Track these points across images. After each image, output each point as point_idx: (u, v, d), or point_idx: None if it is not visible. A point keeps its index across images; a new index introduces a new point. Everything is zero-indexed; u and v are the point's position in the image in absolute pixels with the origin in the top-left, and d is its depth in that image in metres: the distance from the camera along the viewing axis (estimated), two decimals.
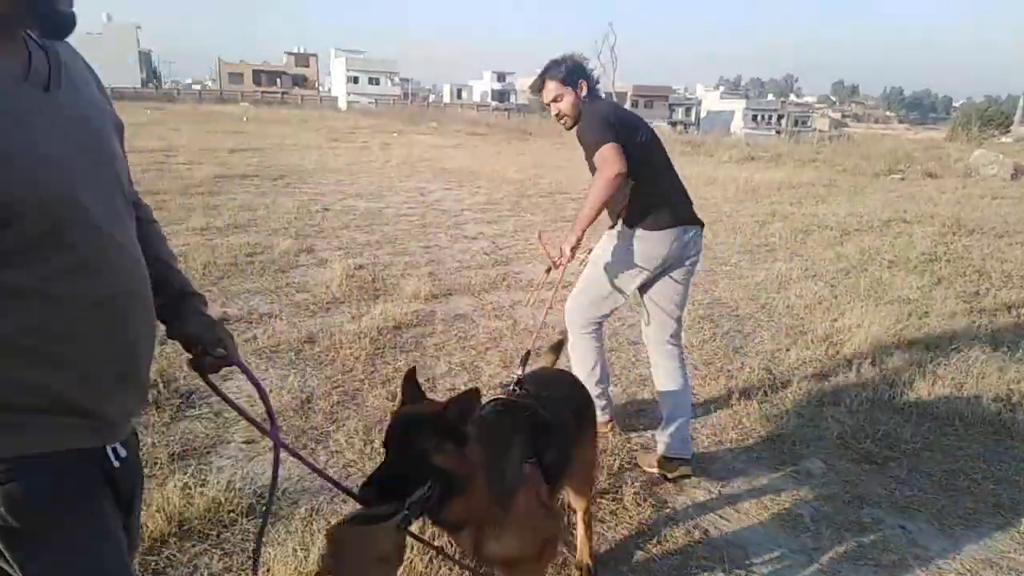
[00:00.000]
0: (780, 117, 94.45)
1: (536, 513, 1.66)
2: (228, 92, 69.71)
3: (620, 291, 2.84)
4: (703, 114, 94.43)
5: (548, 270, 2.85)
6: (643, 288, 2.86)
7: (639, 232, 2.73)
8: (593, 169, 2.56)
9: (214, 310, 4.36)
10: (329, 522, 2.24)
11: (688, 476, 2.77)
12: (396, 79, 74.65)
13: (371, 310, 4.54)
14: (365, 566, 1.27)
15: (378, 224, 7.70)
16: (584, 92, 2.76)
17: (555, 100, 2.77)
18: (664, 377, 2.88)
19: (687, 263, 2.83)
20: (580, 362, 3.01)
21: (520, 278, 5.63)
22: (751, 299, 5.37)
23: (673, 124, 75.89)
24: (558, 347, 2.72)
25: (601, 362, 3.03)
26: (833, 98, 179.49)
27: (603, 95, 2.94)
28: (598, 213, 2.63)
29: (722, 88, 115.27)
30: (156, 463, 2.58)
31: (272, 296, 4.80)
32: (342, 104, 66.23)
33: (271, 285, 5.04)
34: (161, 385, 3.25)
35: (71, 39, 1.06)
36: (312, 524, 2.32)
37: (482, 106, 72.86)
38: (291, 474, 2.57)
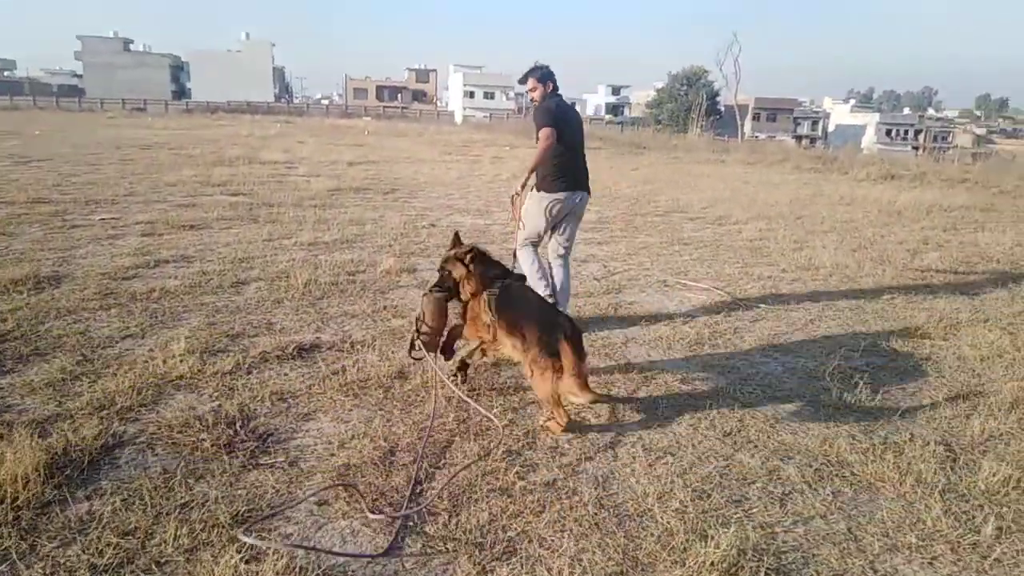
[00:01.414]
0: (918, 132, 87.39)
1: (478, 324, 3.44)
2: (353, 107, 73.29)
3: (542, 226, 4.45)
4: (831, 128, 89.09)
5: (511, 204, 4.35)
6: (557, 228, 4.53)
7: (547, 195, 4.33)
8: (537, 139, 4.11)
9: (307, 336, 4.13)
10: None
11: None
12: (511, 93, 75.49)
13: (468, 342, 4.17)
14: (430, 313, 3.38)
15: (483, 243, 7.36)
16: (549, 89, 4.34)
17: (531, 90, 4.40)
18: (563, 278, 4.60)
19: (577, 214, 4.53)
20: (524, 265, 4.49)
21: (634, 309, 5.07)
22: (912, 346, 4.53)
23: (798, 138, 71.96)
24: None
25: (542, 271, 4.52)
26: (978, 112, 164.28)
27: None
28: (534, 169, 4.22)
29: (853, 101, 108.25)
30: (215, 526, 2.27)
31: (368, 321, 4.53)
32: (458, 118, 67.79)
33: (369, 308, 4.78)
34: (239, 423, 2.99)
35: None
36: None
37: (596, 119, 72.34)
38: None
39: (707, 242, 7.89)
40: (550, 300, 4.16)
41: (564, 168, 4.31)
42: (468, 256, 3.44)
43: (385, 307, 4.83)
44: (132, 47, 74.65)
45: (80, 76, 75.60)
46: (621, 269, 6.40)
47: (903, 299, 5.67)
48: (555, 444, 3.00)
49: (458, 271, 3.44)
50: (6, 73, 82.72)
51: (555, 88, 4.35)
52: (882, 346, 4.51)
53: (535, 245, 4.59)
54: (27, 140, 19.60)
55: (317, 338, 4.14)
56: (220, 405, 3.18)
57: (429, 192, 11.55)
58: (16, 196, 8.76)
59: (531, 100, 4.44)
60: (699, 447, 3.03)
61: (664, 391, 3.61)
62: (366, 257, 6.35)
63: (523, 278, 3.73)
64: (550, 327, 3.06)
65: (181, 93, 74.40)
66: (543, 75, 4.33)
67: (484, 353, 3.61)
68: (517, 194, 4.23)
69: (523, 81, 4.41)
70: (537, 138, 4.10)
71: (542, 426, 3.13)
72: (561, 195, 4.32)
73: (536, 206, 4.39)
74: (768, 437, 3.16)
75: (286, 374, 3.59)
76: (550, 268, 4.61)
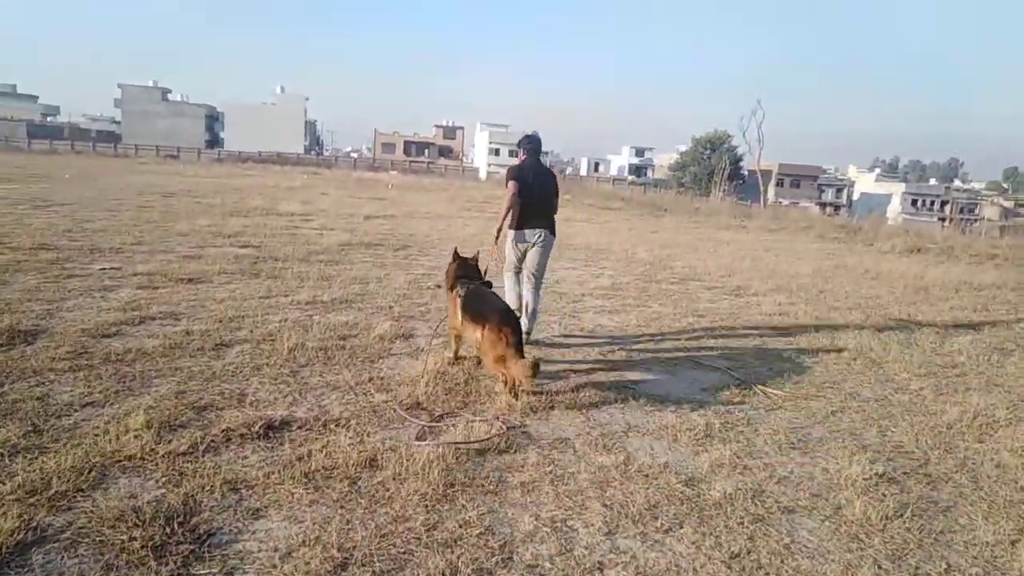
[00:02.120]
0: (944, 203, 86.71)
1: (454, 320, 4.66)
2: (380, 160, 74.83)
3: (515, 257, 5.70)
4: (856, 196, 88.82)
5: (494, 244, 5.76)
6: (522, 258, 5.71)
7: (514, 232, 5.63)
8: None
9: (279, 411, 3.81)
10: None
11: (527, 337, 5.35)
12: None
13: (454, 422, 3.82)
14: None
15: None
16: (524, 156, 5.76)
17: (514, 154, 6.12)
18: (530, 300, 5.62)
19: (539, 246, 5.63)
20: (505, 286, 5.73)
21: (638, 391, 4.68)
22: (945, 450, 4.08)
23: (822, 205, 71.71)
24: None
25: (515, 292, 5.68)
26: (1005, 185, 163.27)
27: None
28: (505, 216, 5.49)
29: (878, 170, 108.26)
30: None
31: (349, 394, 4.20)
32: (482, 174, 68.77)
33: (353, 379, 4.46)
34: (179, 519, 2.65)
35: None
36: None
37: (618, 180, 72.95)
38: None
39: (723, 315, 7.52)
40: (517, 313, 5.23)
41: (525, 212, 5.60)
42: (455, 260, 5.16)
43: (371, 378, 4.51)
44: (170, 96, 77.41)
45: (119, 123, 78.37)
46: (629, 343, 6.04)
47: (932, 390, 5.22)
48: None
49: (451, 267, 5.10)
50: (49, 119, 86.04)
51: (535, 152, 5.81)
52: (911, 448, 4.07)
53: (517, 272, 5.82)
54: (55, 184, 19.99)
55: (290, 413, 3.81)
56: (164, 494, 2.84)
57: (442, 249, 11.36)
58: (23, 241, 8.70)
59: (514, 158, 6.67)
60: (701, 572, 2.62)
61: (665, 495, 3.21)
62: (362, 319, 6.07)
63: (490, 284, 5.01)
64: (497, 315, 4.30)
65: (214, 142, 76.68)
66: (521, 145, 5.90)
67: (458, 339, 4.92)
68: (495, 241, 5.77)
69: (516, 146, 6.10)
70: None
71: (497, 392, 4.33)
72: (524, 232, 5.68)
73: (509, 242, 5.75)
74: (782, 562, 2.73)
75: (246, 457, 3.25)
76: (527, 293, 5.74)
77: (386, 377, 4.57)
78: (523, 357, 4.10)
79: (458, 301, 4.66)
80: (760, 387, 4.91)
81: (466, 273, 4.97)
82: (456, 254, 5.23)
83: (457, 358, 4.92)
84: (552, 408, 4.23)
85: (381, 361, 4.94)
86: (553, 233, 5.77)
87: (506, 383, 4.20)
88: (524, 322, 5.41)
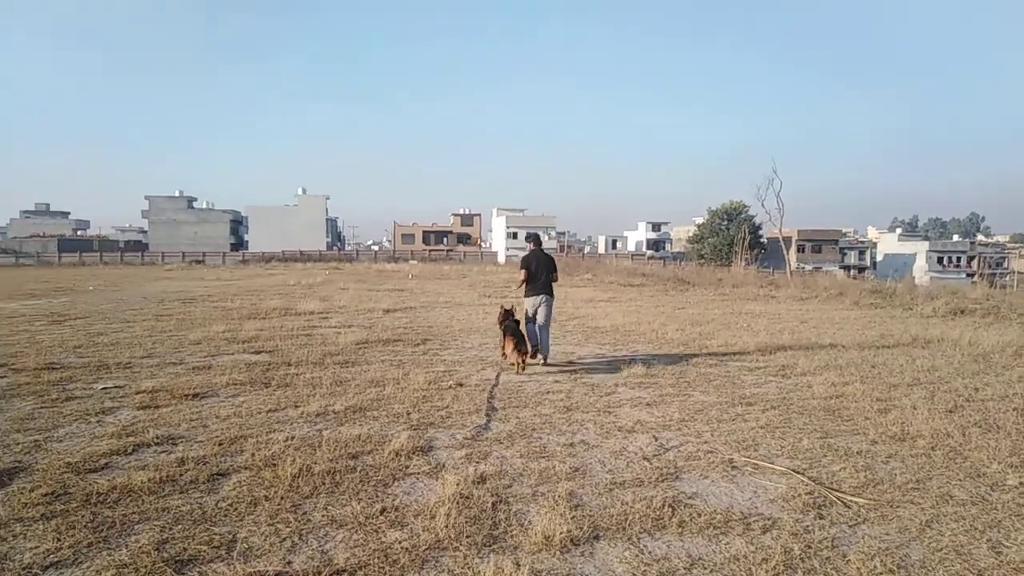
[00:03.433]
0: (971, 259, 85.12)
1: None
2: (400, 251, 76.04)
3: (529, 312, 9.00)
4: (879, 257, 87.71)
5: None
6: (536, 313, 8.99)
7: (527, 298, 9.05)
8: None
9: (271, 563, 3.21)
10: None
11: (545, 362, 8.88)
12: (553, 232, 77.24)
13: (480, 572, 3.17)
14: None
15: (515, 406, 6.50)
16: (532, 245, 9.39)
17: (530, 238, 9.79)
18: (543, 338, 8.93)
19: (544, 305, 8.94)
20: (527, 328, 8.95)
21: (696, 507, 4.02)
22: None
23: (846, 268, 70.72)
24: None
25: (532, 332, 8.87)
26: None
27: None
28: (520, 286, 9.27)
29: (899, 230, 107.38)
30: None
31: (358, 534, 3.59)
32: (501, 258, 69.23)
33: (363, 512, 3.85)
34: None
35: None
36: None
37: (637, 255, 72.95)
38: None
39: (773, 401, 6.82)
40: (532, 346, 8.78)
41: (532, 285, 9.06)
42: (503, 310, 9.15)
43: (383, 509, 3.90)
44: (195, 204, 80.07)
45: (146, 232, 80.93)
46: (676, 442, 5.38)
47: None
48: None
49: (500, 314, 9.13)
50: (80, 232, 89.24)
51: (538, 243, 9.47)
52: None
53: (531, 320, 9.04)
54: (78, 296, 20.10)
55: (285, 566, 3.20)
56: None
57: (463, 342, 10.88)
58: (28, 361, 8.39)
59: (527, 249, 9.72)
60: None
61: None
62: (377, 431, 5.51)
63: (517, 323, 8.88)
64: (516, 333, 8.48)
65: (239, 244, 78.61)
66: (529, 238, 9.70)
67: (503, 349, 8.72)
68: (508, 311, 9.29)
69: (527, 240, 9.85)
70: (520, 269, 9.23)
71: (504, 368, 8.53)
72: (531, 297, 9.04)
73: (526, 303, 9.10)
74: None
75: None
76: (540, 332, 9.00)
77: (401, 507, 3.95)
78: (524, 356, 8.33)
79: (502, 328, 8.97)
80: (838, 494, 4.20)
81: (508, 317, 9.01)
82: (503, 308, 9.29)
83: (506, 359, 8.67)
84: (596, 538, 3.57)
85: (396, 484, 4.34)
86: (551, 295, 9.20)
87: (515, 364, 8.35)
88: (539, 354, 8.92)
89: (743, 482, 4.49)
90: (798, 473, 4.62)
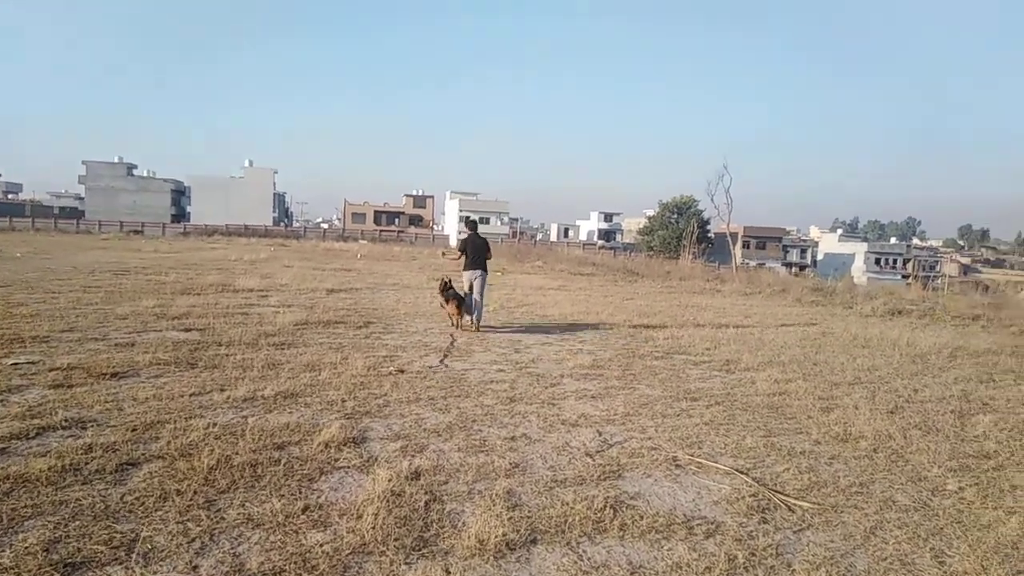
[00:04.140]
0: (906, 261, 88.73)
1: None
2: (349, 230, 74.39)
3: (466, 285, 10.94)
4: (820, 256, 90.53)
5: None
6: (471, 285, 10.92)
7: (465, 272, 10.99)
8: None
9: (171, 572, 2.90)
10: None
11: (479, 330, 10.57)
12: (505, 218, 76.96)
13: None
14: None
15: (456, 396, 6.26)
16: (469, 230, 11.31)
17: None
18: (478, 304, 10.80)
19: (479, 279, 10.87)
20: (466, 297, 10.89)
21: (639, 508, 3.87)
22: None
23: (788, 265, 72.68)
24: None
25: (470, 302, 10.77)
26: (961, 242, 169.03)
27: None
28: (458, 261, 11.29)
29: (840, 230, 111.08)
30: None
31: (275, 535, 3.30)
32: (453, 242, 68.52)
33: (283, 510, 3.56)
34: None
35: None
36: None
37: (588, 244, 73.31)
38: None
39: (718, 396, 6.77)
40: (468, 309, 10.74)
41: (468, 261, 10.87)
42: (442, 282, 10.91)
43: (306, 507, 3.61)
44: (136, 172, 76.64)
45: (83, 199, 77.14)
46: (620, 438, 5.24)
47: (975, 491, 4.49)
48: None
49: (441, 284, 10.93)
50: (10, 196, 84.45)
51: (475, 228, 11.30)
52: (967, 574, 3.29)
53: (468, 292, 10.78)
54: (3, 263, 18.86)
55: (191, 571, 2.90)
56: None
57: (408, 326, 10.56)
58: None
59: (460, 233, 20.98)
60: None
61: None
62: (307, 419, 5.20)
63: (459, 294, 10.73)
64: (457, 297, 10.60)
65: (181, 216, 75.69)
66: (467, 223, 11.72)
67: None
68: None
69: (465, 225, 11.62)
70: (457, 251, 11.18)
71: (451, 330, 10.38)
72: (468, 272, 10.86)
73: (464, 276, 10.91)
74: None
75: None
76: (475, 301, 10.75)
77: (326, 504, 3.68)
78: (461, 317, 10.57)
79: (443, 296, 10.67)
80: (781, 497, 4.12)
81: (447, 287, 10.70)
82: (443, 279, 10.97)
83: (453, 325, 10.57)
84: (533, 542, 3.38)
85: (323, 479, 4.06)
86: (486, 271, 11.00)
87: (456, 325, 10.50)
88: (474, 316, 10.69)
89: (687, 482, 4.37)
90: (742, 473, 4.53)
